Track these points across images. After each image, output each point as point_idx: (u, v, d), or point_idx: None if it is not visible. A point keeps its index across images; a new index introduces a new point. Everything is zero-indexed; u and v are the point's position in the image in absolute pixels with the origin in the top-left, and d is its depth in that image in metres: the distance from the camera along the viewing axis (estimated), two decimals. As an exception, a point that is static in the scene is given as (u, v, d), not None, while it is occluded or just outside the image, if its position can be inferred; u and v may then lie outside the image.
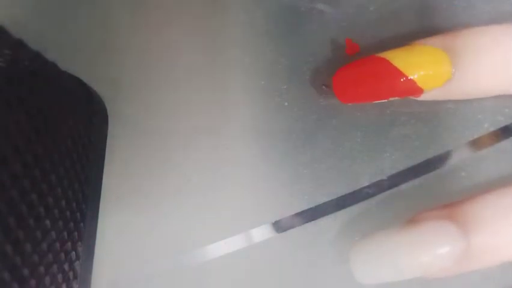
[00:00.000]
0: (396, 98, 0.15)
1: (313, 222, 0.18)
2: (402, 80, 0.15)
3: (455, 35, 0.15)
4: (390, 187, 0.18)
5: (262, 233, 0.18)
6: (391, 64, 0.15)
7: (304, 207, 0.18)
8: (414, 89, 0.15)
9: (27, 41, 0.14)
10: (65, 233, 0.14)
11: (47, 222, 0.13)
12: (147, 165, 0.18)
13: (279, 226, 0.18)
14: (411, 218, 0.15)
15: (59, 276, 0.14)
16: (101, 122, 0.18)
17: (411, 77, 0.15)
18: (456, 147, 0.18)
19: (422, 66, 0.15)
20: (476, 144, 0.17)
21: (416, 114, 0.17)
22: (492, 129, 0.17)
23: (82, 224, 0.16)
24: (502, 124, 0.15)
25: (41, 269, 0.13)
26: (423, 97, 0.15)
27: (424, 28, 0.17)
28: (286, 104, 0.18)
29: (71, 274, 0.15)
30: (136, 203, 0.18)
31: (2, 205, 0.11)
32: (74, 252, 0.15)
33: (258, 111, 0.18)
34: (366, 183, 0.18)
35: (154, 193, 0.18)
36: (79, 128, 0.16)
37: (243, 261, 0.18)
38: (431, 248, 0.14)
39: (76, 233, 0.15)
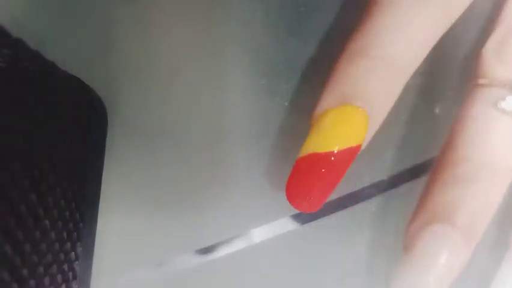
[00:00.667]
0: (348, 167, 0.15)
1: (313, 222, 0.18)
2: (339, 157, 0.14)
3: (334, 78, 0.15)
4: (390, 187, 0.18)
5: (262, 233, 0.18)
6: (318, 154, 0.14)
7: (304, 207, 0.18)
8: (354, 151, 0.14)
9: (27, 41, 0.15)
10: (65, 233, 0.14)
11: (47, 222, 0.13)
12: (147, 165, 0.18)
13: (279, 226, 0.18)
14: (405, 240, 0.15)
15: (59, 277, 0.14)
16: (101, 122, 0.18)
17: (344, 148, 0.14)
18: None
19: (342, 133, 0.14)
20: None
21: (416, 114, 0.17)
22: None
23: (81, 224, 0.16)
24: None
25: (41, 269, 0.13)
26: (364, 144, 0.15)
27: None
28: (286, 104, 0.18)
29: (70, 274, 0.15)
30: (136, 203, 0.18)
31: (1, 205, 0.11)
32: (73, 253, 0.15)
33: (258, 111, 0.18)
34: (366, 183, 0.18)
35: (154, 193, 0.18)
36: (79, 128, 0.16)
37: (243, 262, 0.18)
38: (440, 257, 0.14)
39: (75, 233, 0.15)
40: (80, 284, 0.15)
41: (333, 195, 0.18)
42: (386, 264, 0.18)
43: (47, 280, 0.13)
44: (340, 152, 0.14)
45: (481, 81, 0.15)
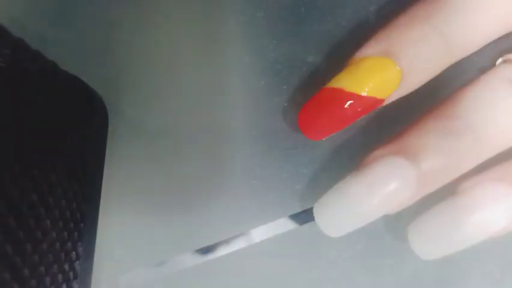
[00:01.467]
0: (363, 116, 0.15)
1: (313, 222, 0.18)
2: (361, 101, 0.15)
3: (386, 30, 0.15)
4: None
5: (262, 233, 0.18)
6: (345, 91, 0.15)
7: (305, 207, 0.18)
8: (375, 103, 0.15)
9: (27, 41, 0.14)
10: (65, 233, 0.14)
11: (48, 222, 0.13)
12: (147, 165, 0.18)
13: (279, 226, 0.18)
14: (364, 160, 0.15)
15: (60, 277, 0.14)
16: (101, 122, 0.18)
17: (369, 95, 0.15)
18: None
19: (373, 81, 0.15)
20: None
21: (415, 112, 0.17)
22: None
23: (82, 224, 0.16)
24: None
25: (42, 269, 0.13)
26: (386, 101, 0.16)
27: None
28: (286, 104, 0.18)
29: (71, 274, 0.15)
30: (136, 203, 0.18)
31: (2, 205, 0.11)
32: (74, 252, 0.15)
33: (258, 111, 0.18)
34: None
35: (154, 193, 0.18)
36: (79, 128, 0.16)
37: (243, 261, 0.18)
38: (387, 185, 0.15)
39: (76, 233, 0.15)
40: (81, 284, 0.15)
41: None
42: (386, 264, 0.18)
43: (48, 280, 0.13)
44: (364, 98, 0.15)
45: (506, 56, 0.15)
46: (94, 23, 0.18)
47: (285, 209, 0.18)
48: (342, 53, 0.17)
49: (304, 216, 0.18)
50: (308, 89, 0.18)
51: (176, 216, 0.18)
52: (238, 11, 0.18)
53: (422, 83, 0.16)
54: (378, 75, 0.15)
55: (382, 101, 0.15)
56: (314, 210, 0.16)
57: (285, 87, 0.18)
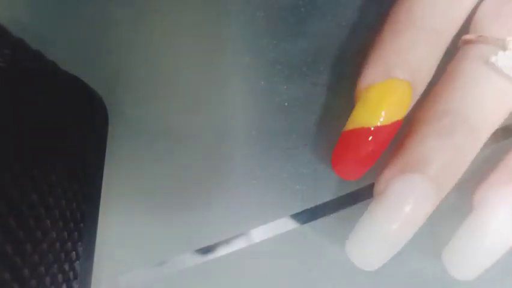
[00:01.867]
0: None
1: (313, 222, 0.18)
2: (384, 130, 0.15)
3: (376, 49, 0.15)
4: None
5: (262, 233, 0.18)
6: (365, 128, 0.15)
7: (305, 207, 0.18)
8: (396, 124, 0.15)
9: (27, 41, 0.15)
10: (65, 233, 0.14)
11: (48, 222, 0.13)
12: (147, 165, 0.18)
13: (279, 226, 0.18)
14: (376, 187, 0.15)
15: (59, 277, 0.14)
16: (101, 122, 0.18)
17: (388, 122, 0.15)
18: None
19: (388, 107, 0.15)
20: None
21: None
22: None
23: (82, 224, 0.16)
24: (503, 124, 0.15)
25: (42, 269, 0.13)
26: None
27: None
28: (286, 104, 0.18)
29: (71, 274, 0.15)
30: (136, 203, 0.18)
31: (2, 205, 0.11)
32: (74, 252, 0.15)
33: (258, 111, 0.18)
34: (366, 183, 0.18)
35: (154, 193, 0.18)
36: (79, 128, 0.16)
37: (243, 261, 0.18)
38: (409, 204, 0.14)
39: (76, 233, 0.15)
40: (80, 284, 0.15)
41: (333, 195, 0.18)
42: (386, 264, 0.18)
43: (48, 280, 0.13)
44: (385, 126, 0.15)
45: (473, 37, 0.15)
46: (94, 23, 0.18)
47: (285, 209, 0.18)
48: (342, 52, 0.17)
49: (305, 216, 0.18)
50: (308, 89, 0.18)
51: (176, 216, 0.18)
52: (238, 11, 0.18)
53: (430, 79, 0.16)
54: (391, 99, 0.15)
55: (401, 122, 0.15)
56: (347, 250, 0.16)
57: (285, 87, 0.18)
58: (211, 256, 0.18)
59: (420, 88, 0.15)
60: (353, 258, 0.15)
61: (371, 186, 0.16)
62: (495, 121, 0.15)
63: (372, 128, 0.15)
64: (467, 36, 0.15)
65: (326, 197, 0.18)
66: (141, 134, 0.18)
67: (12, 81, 0.14)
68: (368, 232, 0.15)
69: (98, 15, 0.18)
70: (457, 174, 0.15)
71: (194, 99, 0.18)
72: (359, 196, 0.18)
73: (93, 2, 0.18)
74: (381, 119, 0.15)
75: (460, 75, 0.15)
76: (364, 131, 0.15)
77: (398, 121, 0.15)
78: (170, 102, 0.18)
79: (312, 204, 0.18)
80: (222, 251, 0.18)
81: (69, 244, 0.15)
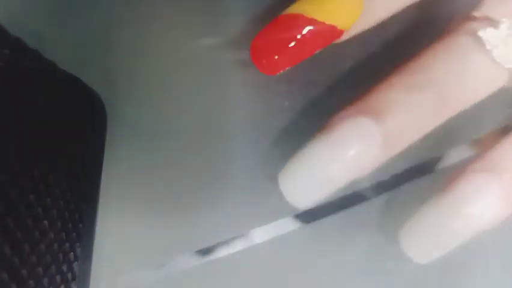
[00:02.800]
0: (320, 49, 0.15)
1: (313, 223, 0.18)
2: (321, 28, 0.14)
3: None
4: (391, 187, 0.18)
5: (262, 233, 0.18)
6: (304, 16, 0.14)
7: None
8: (335, 33, 0.14)
9: (27, 41, 0.14)
10: (64, 234, 0.14)
11: (46, 222, 0.13)
12: (147, 165, 0.18)
13: (280, 227, 0.18)
14: (327, 121, 0.15)
15: (58, 277, 0.14)
16: (100, 122, 0.18)
17: (329, 23, 0.14)
18: (457, 147, 0.17)
19: (334, 8, 0.14)
20: (477, 144, 0.17)
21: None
22: (493, 128, 0.17)
23: (80, 225, 0.16)
24: (503, 123, 0.15)
25: (40, 269, 0.13)
26: (343, 37, 0.15)
27: None
28: (286, 104, 0.18)
29: (69, 275, 0.15)
30: (135, 203, 0.18)
31: (0, 206, 0.11)
32: (72, 253, 0.15)
33: (258, 111, 0.18)
34: (366, 184, 0.18)
35: (154, 193, 0.18)
36: (78, 128, 0.16)
37: (244, 262, 0.18)
38: (351, 146, 0.14)
39: (74, 234, 0.15)
40: (79, 285, 0.15)
41: (333, 196, 0.18)
42: (386, 264, 0.18)
43: (46, 281, 0.13)
44: (324, 25, 0.14)
45: (470, 13, 0.15)
46: (93, 23, 0.18)
47: (285, 210, 0.18)
48: (342, 52, 0.17)
49: (305, 217, 0.18)
50: (309, 89, 0.18)
51: (176, 217, 0.18)
52: (237, 11, 0.18)
53: (382, 19, 0.15)
54: (340, 4, 0.14)
55: (342, 32, 0.14)
56: (279, 180, 0.15)
57: (285, 87, 0.18)
58: (211, 257, 0.18)
59: (371, 18, 0.15)
60: (285, 191, 0.15)
61: (373, 187, 0.16)
62: (468, 98, 0.14)
63: (311, 19, 0.14)
64: (461, 14, 0.15)
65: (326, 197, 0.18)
66: (141, 134, 0.18)
67: (11, 81, 0.13)
68: (305, 164, 0.14)
69: (98, 15, 0.18)
70: (411, 136, 0.15)
71: (194, 99, 0.18)
72: (360, 196, 0.18)
73: (93, 2, 0.18)
74: (324, 16, 0.14)
75: (446, 44, 0.15)
76: (301, 19, 0.14)
77: (337, 30, 0.14)
78: (170, 102, 0.18)
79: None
80: (222, 252, 0.18)
81: (67, 245, 0.15)
